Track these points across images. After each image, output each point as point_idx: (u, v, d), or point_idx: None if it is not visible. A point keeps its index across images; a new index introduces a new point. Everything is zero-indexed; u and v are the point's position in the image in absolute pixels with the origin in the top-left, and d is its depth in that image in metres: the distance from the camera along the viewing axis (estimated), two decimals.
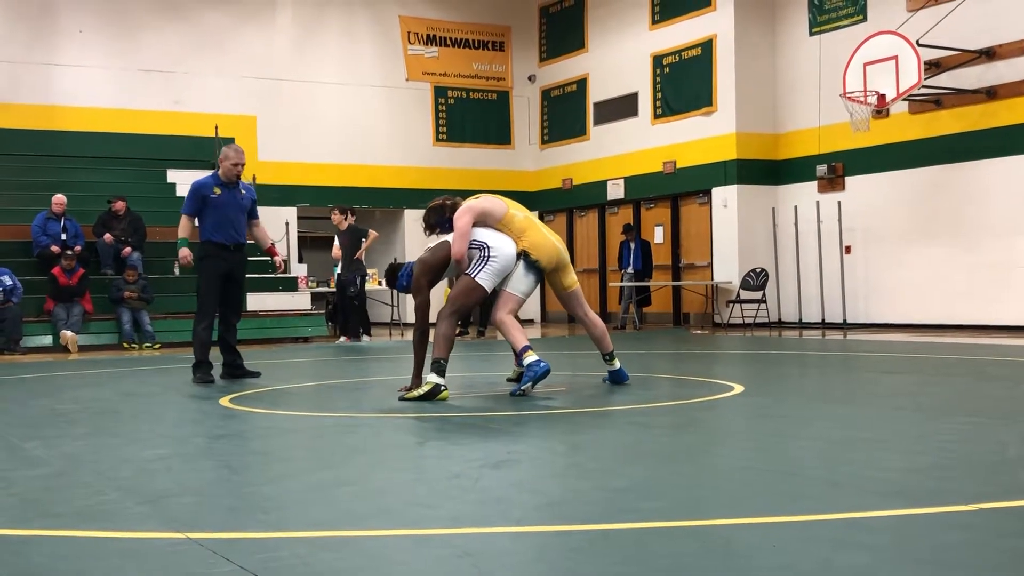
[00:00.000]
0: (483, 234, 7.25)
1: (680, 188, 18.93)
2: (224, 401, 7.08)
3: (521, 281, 7.30)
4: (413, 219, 20.98)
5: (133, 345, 14.51)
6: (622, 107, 20.14)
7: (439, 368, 7.04)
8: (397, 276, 7.58)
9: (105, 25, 18.74)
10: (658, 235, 19.54)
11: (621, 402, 6.77)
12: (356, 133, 20.44)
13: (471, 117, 21.76)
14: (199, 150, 19.03)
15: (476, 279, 7.18)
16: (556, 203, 21.85)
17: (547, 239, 7.42)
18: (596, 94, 20.78)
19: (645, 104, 19.59)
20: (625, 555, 2.91)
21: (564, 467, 4.45)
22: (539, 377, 7.05)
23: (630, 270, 17.99)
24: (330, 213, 15.57)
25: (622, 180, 20.11)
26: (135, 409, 6.93)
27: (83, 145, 18.15)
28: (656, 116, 19.34)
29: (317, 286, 17.83)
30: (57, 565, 2.91)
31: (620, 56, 20.11)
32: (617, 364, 7.73)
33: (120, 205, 15.59)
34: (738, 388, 7.31)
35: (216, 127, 18.95)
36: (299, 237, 19.56)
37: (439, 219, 7.55)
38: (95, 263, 15.39)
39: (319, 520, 3.38)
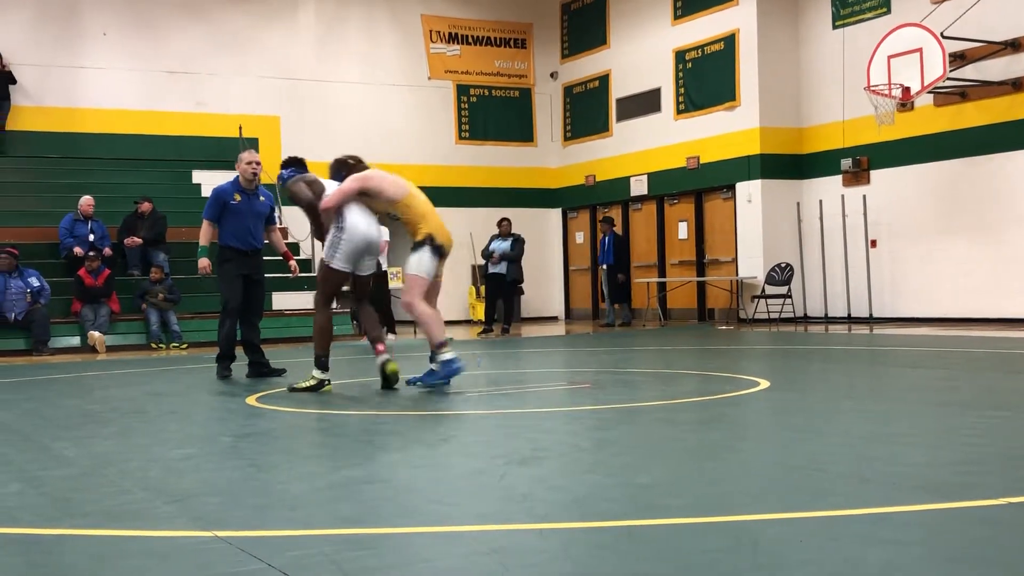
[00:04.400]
0: (350, 209, 7.32)
1: (704, 183, 18.88)
2: (250, 400, 7.12)
3: (427, 263, 7.33)
4: None
5: (160, 345, 14.60)
6: (645, 103, 20.09)
7: (321, 364, 7.33)
8: (287, 165, 7.81)
9: (129, 27, 18.85)
10: (682, 231, 19.49)
11: (646, 398, 6.76)
12: (379, 132, 20.48)
13: (493, 115, 21.76)
14: (223, 150, 19.10)
15: (331, 265, 7.34)
16: (579, 200, 21.83)
17: (446, 228, 7.52)
18: (619, 90, 20.74)
19: (668, 99, 19.54)
20: (651, 552, 2.91)
21: (589, 464, 4.45)
22: (449, 376, 7.18)
23: (604, 265, 18.08)
24: None
25: (645, 176, 20.07)
26: (162, 409, 6.98)
27: (109, 147, 18.28)
28: (679, 111, 19.29)
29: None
30: (86, 564, 2.93)
31: (642, 52, 20.07)
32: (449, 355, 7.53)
33: (146, 206, 15.69)
34: (764, 383, 7.28)
35: (240, 127, 19.04)
36: None
37: (336, 173, 7.70)
38: (122, 264, 15.49)
39: (346, 518, 3.39)
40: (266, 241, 9.42)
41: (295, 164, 7.88)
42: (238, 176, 9.12)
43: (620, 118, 20.74)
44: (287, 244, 17.66)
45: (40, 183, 17.15)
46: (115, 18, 18.76)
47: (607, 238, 18.15)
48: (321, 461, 4.75)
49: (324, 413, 6.56)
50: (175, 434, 5.73)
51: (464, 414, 6.22)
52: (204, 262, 8.87)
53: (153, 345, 14.57)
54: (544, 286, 21.90)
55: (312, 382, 7.34)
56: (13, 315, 13.81)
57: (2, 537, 3.26)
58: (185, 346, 14.58)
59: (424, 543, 3.10)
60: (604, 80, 21.08)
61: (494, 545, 3.01)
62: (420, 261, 7.32)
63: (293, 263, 9.69)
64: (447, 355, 7.21)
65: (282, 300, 16.23)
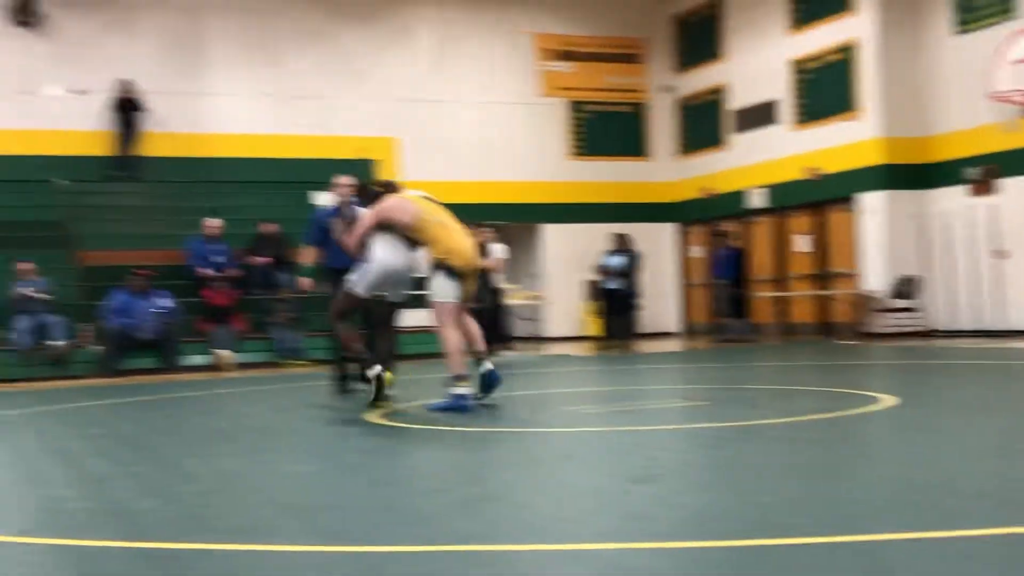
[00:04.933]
0: (374, 240, 7.45)
1: (824, 195, 18.52)
2: (372, 417, 7.24)
3: (445, 287, 7.34)
4: (550, 234, 21.08)
5: (284, 362, 14.93)
6: (761, 115, 19.83)
7: (366, 362, 7.52)
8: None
9: (253, 53, 19.41)
10: (802, 244, 19.16)
11: (766, 416, 6.66)
12: (493, 150, 20.65)
13: (607, 130, 21.73)
14: (344, 172, 19.46)
15: (352, 289, 7.52)
16: (695, 214, 21.64)
17: (464, 245, 7.42)
18: (734, 102, 20.52)
19: (785, 111, 19.26)
20: (772, 572, 2.88)
21: (709, 482, 4.41)
22: (455, 410, 7.11)
23: (721, 280, 17.81)
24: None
25: (763, 189, 19.80)
26: (287, 425, 7.14)
27: (233, 170, 18.80)
28: (797, 123, 18.99)
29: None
30: None
31: (758, 63, 19.82)
32: (489, 366, 7.62)
33: (270, 227, 16.09)
34: (888, 400, 7.11)
35: (361, 150, 19.41)
36: None
37: (359, 200, 7.98)
38: (247, 284, 15.91)
39: (469, 534, 3.43)
40: None
41: (366, 193, 7.96)
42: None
43: (736, 130, 20.52)
44: None
45: (169, 207, 17.72)
46: (238, 45, 19.33)
47: (722, 252, 17.93)
48: (443, 478, 4.81)
49: (445, 430, 6.63)
50: (300, 450, 5.86)
51: (583, 431, 6.22)
52: (305, 282, 9.32)
53: (277, 363, 14.90)
54: (659, 301, 21.74)
55: (373, 383, 7.36)
56: (145, 335, 14.31)
57: (136, 551, 3.38)
58: (308, 363, 14.89)
59: (545, 560, 3.12)
60: (719, 92, 20.89)
61: (614, 563, 3.01)
62: (439, 287, 7.39)
63: None
64: (461, 390, 7.24)
65: (402, 318, 16.42)
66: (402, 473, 5.00)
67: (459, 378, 7.22)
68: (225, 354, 14.54)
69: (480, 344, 7.65)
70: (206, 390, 11.07)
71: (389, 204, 7.49)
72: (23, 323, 13.98)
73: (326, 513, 3.90)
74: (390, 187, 7.73)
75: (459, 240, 7.42)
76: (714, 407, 7.23)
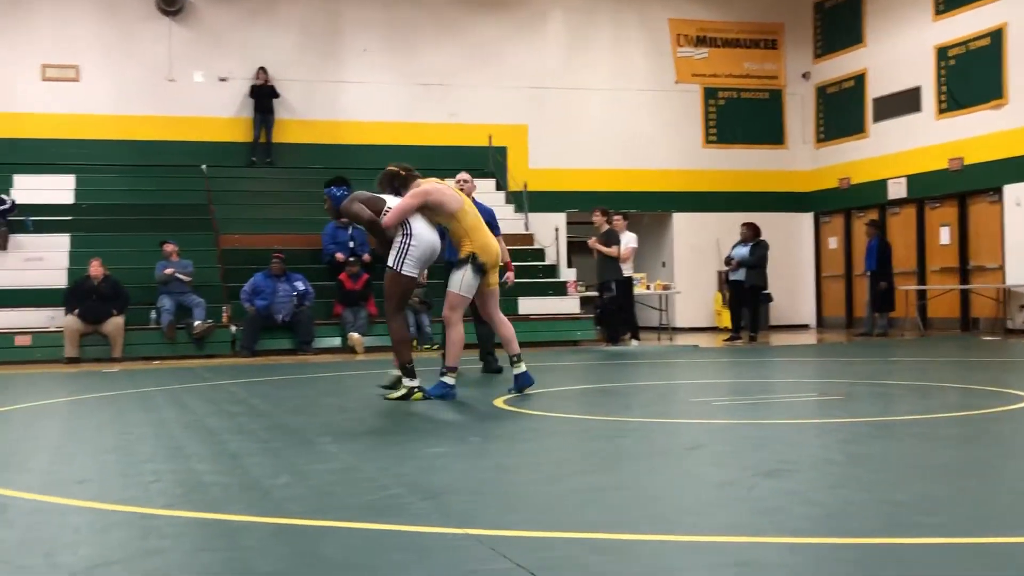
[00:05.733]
0: (414, 217, 7.27)
1: (968, 186, 17.88)
2: (497, 402, 7.29)
3: (468, 281, 7.38)
4: (683, 222, 20.87)
5: (414, 347, 15.15)
6: (903, 102, 19.24)
7: (409, 372, 7.29)
8: (334, 184, 7.66)
9: (388, 43, 19.71)
10: (944, 236, 18.53)
11: (903, 412, 6.47)
12: (624, 137, 20.54)
13: (742, 117, 21.39)
14: (474, 160, 19.64)
15: (401, 272, 7.24)
16: (832, 204, 21.14)
17: (492, 241, 7.50)
18: (875, 90, 19.96)
19: (928, 98, 18.64)
20: (906, 571, 2.79)
21: (841, 478, 4.30)
22: (442, 397, 7.30)
23: (867, 272, 17.23)
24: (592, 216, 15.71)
25: (904, 179, 19.21)
26: (415, 408, 7.24)
27: (367, 157, 19.12)
28: (940, 111, 18.36)
29: (587, 290, 18.02)
30: (348, 556, 3.08)
31: (901, 49, 19.23)
32: (523, 367, 7.70)
33: None
34: None
35: (490, 137, 19.55)
36: (568, 242, 19.85)
37: (388, 185, 7.61)
38: (379, 269, 16.17)
39: (592, 522, 3.42)
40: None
41: (343, 183, 7.81)
42: None
43: (877, 118, 19.95)
44: (534, 250, 18.09)
45: (305, 192, 18.15)
46: (375, 35, 19.66)
47: (872, 243, 17.41)
48: (567, 465, 4.81)
49: (568, 418, 6.64)
50: (427, 433, 5.94)
51: (711, 423, 6.15)
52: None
53: (413, 347, 15.11)
54: (794, 293, 21.34)
55: (403, 391, 7.37)
56: (281, 316, 14.69)
57: (272, 527, 3.47)
58: (437, 348, 15.07)
59: (671, 552, 3.09)
60: (860, 79, 20.34)
61: (742, 558, 2.96)
62: (463, 279, 7.40)
63: (510, 275, 10.09)
64: (450, 379, 7.43)
65: (528, 305, 16.52)
66: (528, 459, 5.02)
67: (451, 370, 7.44)
68: (357, 337, 14.83)
69: (516, 347, 7.74)
70: (338, 372, 11.32)
71: (439, 188, 7.47)
72: (166, 303, 14.51)
73: (453, 495, 3.94)
74: (412, 172, 7.70)
75: (490, 237, 7.54)
76: (849, 402, 7.05)
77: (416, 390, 7.30)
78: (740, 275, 15.89)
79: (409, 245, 7.23)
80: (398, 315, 7.42)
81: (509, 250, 17.89)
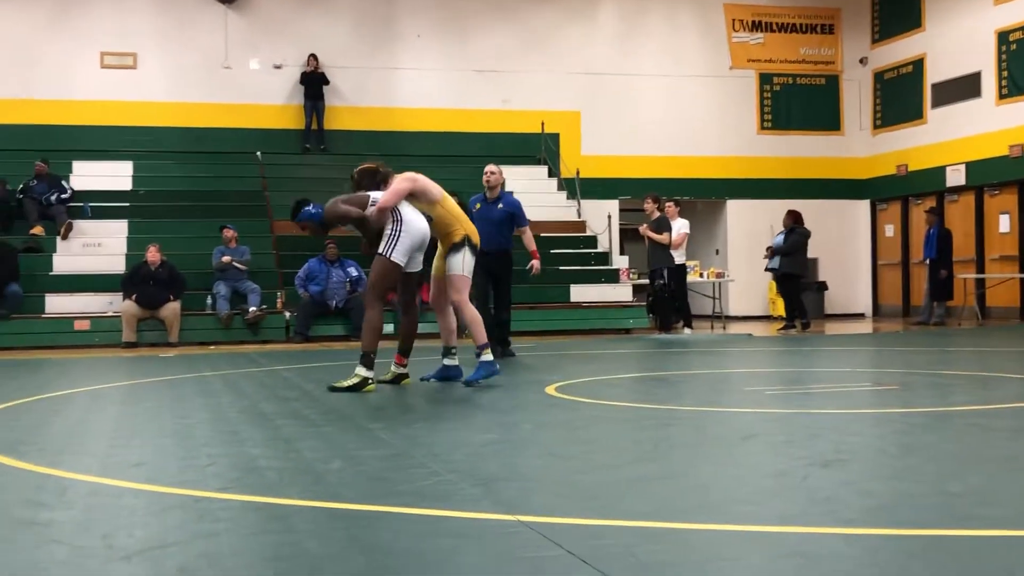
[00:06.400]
0: (403, 205, 7.27)
1: None
2: (549, 390, 7.29)
3: (469, 262, 7.53)
4: (737, 210, 20.71)
5: (465, 334, 15.16)
6: (962, 88, 18.91)
7: (368, 361, 7.13)
8: (301, 209, 7.49)
9: (441, 30, 19.74)
10: (1003, 223, 18.21)
11: (960, 402, 6.38)
12: (678, 124, 20.40)
13: (798, 103, 21.16)
14: (527, 146, 19.66)
15: (391, 259, 7.16)
16: (890, 191, 20.86)
17: (473, 227, 7.69)
18: (934, 75, 19.64)
19: (989, 84, 18.31)
20: (962, 564, 2.75)
21: (897, 469, 4.25)
22: (490, 376, 7.40)
23: (927, 260, 16.93)
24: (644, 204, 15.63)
25: (962, 165, 18.90)
26: (466, 394, 7.26)
27: (420, 144, 19.21)
28: (1001, 96, 18.03)
29: (639, 278, 17.96)
30: (402, 541, 3.10)
31: (960, 34, 18.89)
32: (455, 361, 7.79)
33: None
34: None
35: (542, 123, 19.51)
36: (621, 229, 19.78)
37: (369, 182, 7.58)
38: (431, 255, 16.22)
39: (644, 511, 3.41)
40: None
41: (308, 203, 7.63)
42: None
43: (935, 104, 19.63)
44: (586, 237, 18.04)
45: None
46: (428, 21, 19.69)
47: (932, 230, 17.14)
48: (620, 453, 4.80)
49: (621, 406, 6.62)
50: (478, 420, 5.95)
51: (765, 412, 6.10)
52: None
53: (465, 335, 15.10)
54: (850, 282, 21.10)
55: (355, 380, 7.16)
56: (334, 302, 14.79)
57: (325, 511, 3.50)
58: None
59: (724, 541, 3.07)
60: (918, 64, 20.02)
61: (797, 548, 2.94)
62: (464, 261, 7.52)
63: (534, 263, 10.46)
64: (487, 357, 7.51)
65: (580, 292, 16.49)
66: (578, 447, 5.01)
67: (484, 347, 7.52)
68: None
69: (455, 340, 7.91)
70: (390, 358, 11.35)
71: (423, 177, 7.57)
72: (221, 289, 14.67)
73: (504, 482, 3.95)
74: (391, 170, 7.75)
75: (470, 223, 7.74)
76: (905, 392, 6.97)
77: (370, 381, 7.17)
78: (774, 263, 15.76)
79: (400, 232, 7.22)
80: (379, 303, 7.35)
81: (561, 237, 17.92)
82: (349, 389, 7.11)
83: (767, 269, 16.21)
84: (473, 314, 7.63)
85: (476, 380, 7.52)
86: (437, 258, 7.69)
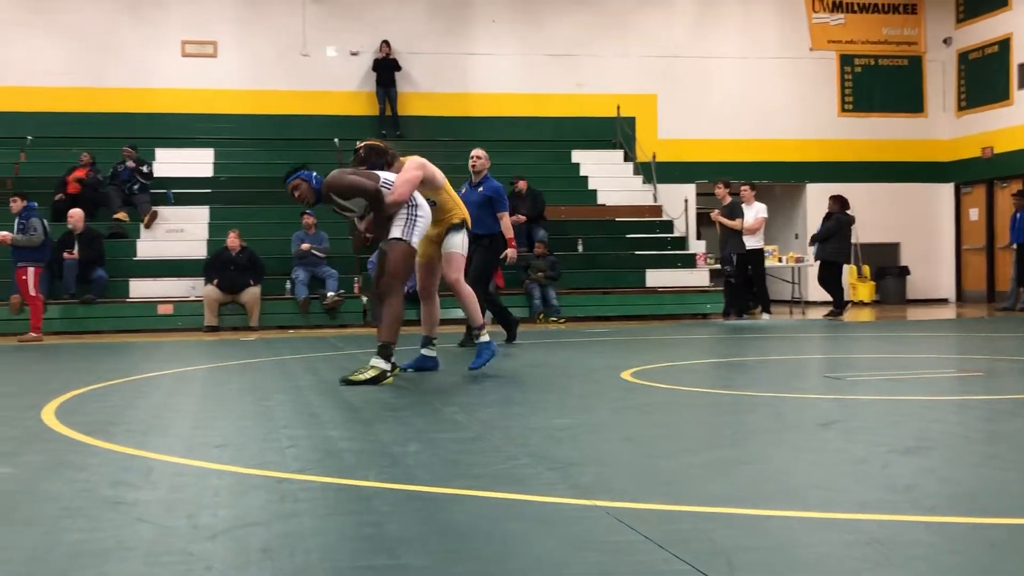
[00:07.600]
0: (419, 197, 7.22)
1: None
2: (625, 375, 7.27)
3: (466, 243, 7.59)
4: (816, 193, 20.41)
5: (540, 319, 15.19)
6: None
7: (386, 352, 6.79)
8: (295, 172, 7.27)
9: (515, 14, 19.72)
10: None
11: None
12: (756, 107, 20.16)
13: (880, 85, 20.77)
14: (602, 130, 19.59)
15: (411, 242, 6.98)
16: (974, 174, 20.39)
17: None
18: (1021, 55, 19.12)
19: None
20: None
21: (981, 456, 4.17)
22: (490, 358, 7.35)
23: (1014, 244, 16.47)
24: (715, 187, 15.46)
25: None
26: (541, 379, 7.27)
27: (495, 129, 19.23)
28: None
29: (715, 262, 17.81)
30: (477, 524, 3.12)
31: None
32: (434, 352, 7.63)
33: (522, 184, 16.35)
34: None
35: (618, 107, 19.41)
36: (698, 213, 19.62)
37: (376, 159, 7.46)
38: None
39: (721, 496, 3.39)
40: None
41: (304, 167, 7.49)
42: None
43: (1022, 85, 19.12)
44: (662, 222, 17.92)
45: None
46: (503, 6, 19.69)
47: (1019, 214, 16.71)
48: (695, 438, 4.77)
49: (697, 391, 6.58)
50: (553, 404, 5.96)
51: (845, 398, 6.02)
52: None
53: (539, 319, 15.16)
54: (933, 266, 20.70)
55: (373, 373, 6.74)
56: (409, 287, 14.85)
57: (403, 493, 3.54)
58: (563, 321, 15.09)
59: (802, 527, 3.04)
60: (1004, 44, 19.51)
61: (876, 535, 2.90)
62: (463, 242, 7.54)
63: (508, 251, 10.66)
64: (485, 337, 7.44)
65: (656, 277, 16.40)
66: (654, 432, 5.00)
67: (481, 328, 7.49)
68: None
69: (436, 331, 7.77)
70: (465, 344, 11.40)
71: (429, 163, 7.52)
72: (300, 275, 14.87)
73: (580, 467, 3.95)
74: (395, 151, 7.71)
75: (466, 209, 7.79)
76: (989, 378, 6.82)
77: (388, 374, 6.80)
78: (813, 250, 15.57)
79: (417, 216, 7.07)
80: (400, 292, 7.05)
81: (637, 222, 17.86)
82: (367, 382, 6.69)
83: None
84: (469, 293, 7.64)
85: (480, 365, 7.47)
86: (425, 244, 7.50)
